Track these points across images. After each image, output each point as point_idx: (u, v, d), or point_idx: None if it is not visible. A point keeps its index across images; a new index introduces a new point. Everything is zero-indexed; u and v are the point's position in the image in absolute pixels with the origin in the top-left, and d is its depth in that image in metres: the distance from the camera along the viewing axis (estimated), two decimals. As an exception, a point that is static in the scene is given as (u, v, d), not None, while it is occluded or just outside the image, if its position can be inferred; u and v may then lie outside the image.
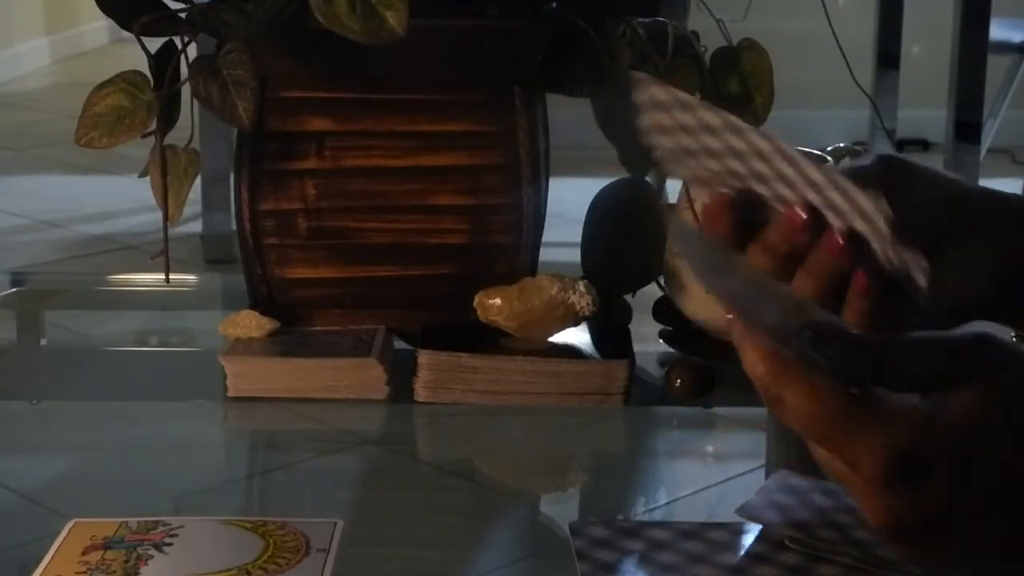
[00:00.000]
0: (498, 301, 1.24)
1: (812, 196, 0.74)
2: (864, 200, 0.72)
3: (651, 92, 0.75)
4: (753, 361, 0.68)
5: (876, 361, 0.66)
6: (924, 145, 4.45)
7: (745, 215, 0.78)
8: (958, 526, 0.64)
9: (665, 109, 0.75)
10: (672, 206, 1.31)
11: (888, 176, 0.83)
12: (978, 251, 0.82)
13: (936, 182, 0.84)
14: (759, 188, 0.76)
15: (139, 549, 0.94)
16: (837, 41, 2.68)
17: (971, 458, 0.64)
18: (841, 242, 0.75)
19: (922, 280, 0.73)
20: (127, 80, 1.24)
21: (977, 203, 0.84)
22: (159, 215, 1.25)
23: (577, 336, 1.26)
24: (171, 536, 0.95)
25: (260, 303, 1.31)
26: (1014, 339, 0.90)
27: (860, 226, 0.74)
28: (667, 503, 1.12)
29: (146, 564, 0.92)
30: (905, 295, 0.75)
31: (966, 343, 0.67)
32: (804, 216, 0.76)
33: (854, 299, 0.77)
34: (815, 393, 0.66)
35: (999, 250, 0.83)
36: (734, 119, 0.73)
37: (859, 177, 0.82)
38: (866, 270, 0.75)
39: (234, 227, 1.32)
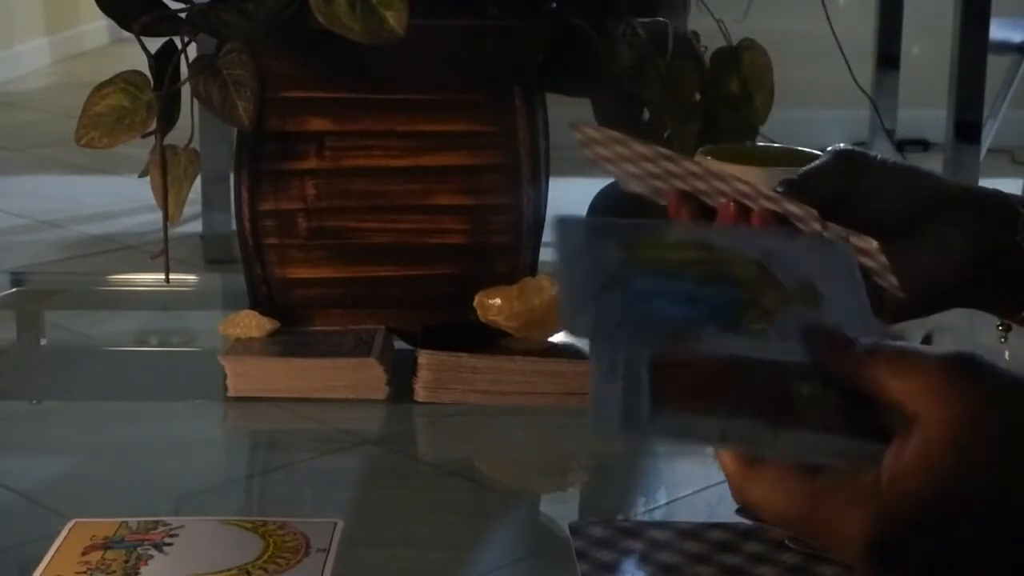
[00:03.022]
0: (498, 301, 1.24)
1: (746, 203, 0.78)
2: (791, 205, 0.75)
3: (585, 132, 0.80)
4: (725, 460, 0.68)
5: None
6: (924, 145, 4.45)
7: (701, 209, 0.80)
8: None
9: (602, 144, 0.79)
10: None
11: (846, 168, 0.84)
12: (950, 239, 0.83)
13: (900, 172, 0.85)
14: (703, 198, 0.80)
15: (139, 549, 0.94)
16: (837, 41, 2.68)
17: (945, 519, 0.62)
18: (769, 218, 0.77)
19: (873, 262, 0.74)
20: (127, 80, 1.24)
21: (947, 192, 0.84)
22: (159, 215, 1.25)
23: (577, 336, 1.26)
24: (171, 536, 0.95)
25: (260, 303, 1.31)
26: (999, 328, 0.90)
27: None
28: (667, 503, 1.12)
29: (146, 564, 0.92)
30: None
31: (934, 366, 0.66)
32: (732, 207, 0.78)
33: None
34: (782, 493, 0.65)
35: (972, 237, 0.83)
36: (664, 149, 0.78)
37: (816, 175, 0.83)
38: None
39: (234, 227, 1.32)
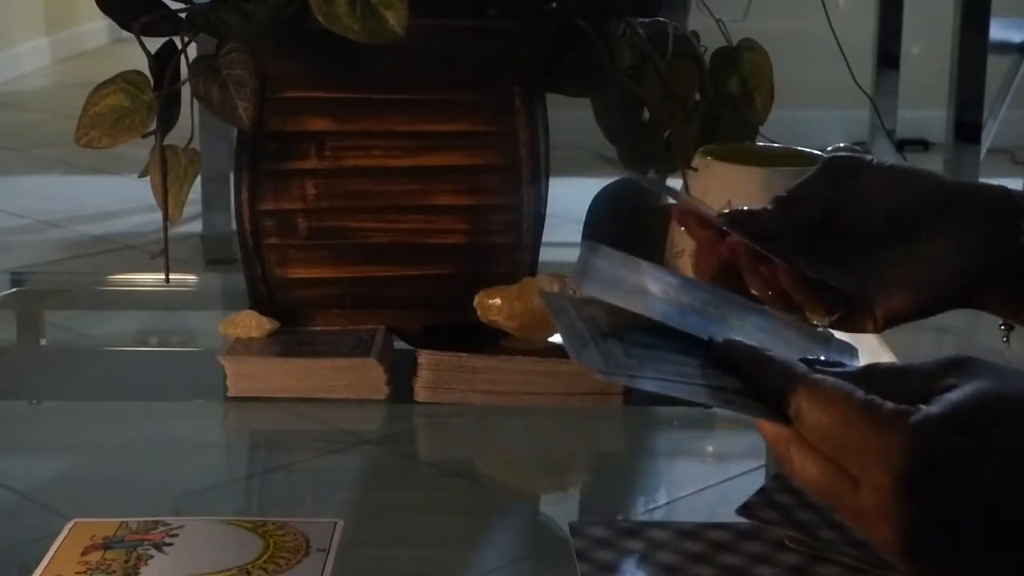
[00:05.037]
0: (498, 301, 1.24)
1: None
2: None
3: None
4: (766, 427, 0.68)
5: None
6: (924, 145, 4.45)
7: None
8: (978, 527, 0.63)
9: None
10: (672, 207, 1.31)
11: (836, 178, 0.85)
12: (951, 242, 0.82)
13: (895, 174, 0.85)
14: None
15: (139, 549, 0.94)
16: (837, 41, 2.68)
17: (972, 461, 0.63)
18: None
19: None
20: (127, 80, 1.24)
21: (945, 192, 0.84)
22: (159, 215, 1.25)
23: (577, 336, 1.26)
24: (171, 536, 0.95)
25: (260, 303, 1.31)
26: (1001, 327, 0.90)
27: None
28: (667, 503, 1.12)
29: (146, 564, 0.92)
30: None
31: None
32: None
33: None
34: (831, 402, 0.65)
35: (973, 239, 0.83)
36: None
37: (803, 189, 0.85)
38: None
39: (234, 227, 1.32)
